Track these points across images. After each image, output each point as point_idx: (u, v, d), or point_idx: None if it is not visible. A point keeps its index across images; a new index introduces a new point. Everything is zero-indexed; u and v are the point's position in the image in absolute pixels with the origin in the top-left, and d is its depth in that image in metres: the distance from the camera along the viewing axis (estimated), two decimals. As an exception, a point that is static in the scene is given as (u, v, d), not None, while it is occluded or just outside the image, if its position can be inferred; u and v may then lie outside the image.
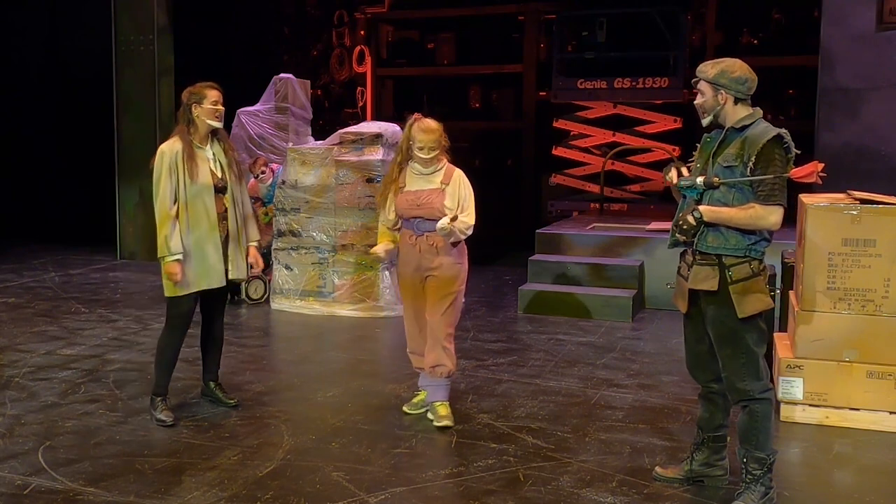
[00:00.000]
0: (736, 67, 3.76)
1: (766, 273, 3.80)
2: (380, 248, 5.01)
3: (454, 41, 14.58)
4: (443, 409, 4.93)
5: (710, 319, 3.84)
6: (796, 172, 3.67)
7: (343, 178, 7.96)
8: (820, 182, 3.75)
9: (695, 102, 3.88)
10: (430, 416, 4.98)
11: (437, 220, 4.72)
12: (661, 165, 12.28)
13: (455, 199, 4.79)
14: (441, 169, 4.85)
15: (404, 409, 5.13)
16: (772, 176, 3.63)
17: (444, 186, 4.81)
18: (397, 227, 4.96)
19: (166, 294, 4.89)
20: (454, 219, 4.67)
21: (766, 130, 3.69)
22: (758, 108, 3.81)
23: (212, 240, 4.87)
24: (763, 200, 3.66)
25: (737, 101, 3.76)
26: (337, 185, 7.98)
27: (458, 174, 4.87)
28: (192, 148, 4.83)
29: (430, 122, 4.83)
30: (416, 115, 4.89)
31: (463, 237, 4.83)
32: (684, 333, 4.07)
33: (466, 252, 4.96)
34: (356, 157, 7.97)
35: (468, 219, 4.79)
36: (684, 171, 3.87)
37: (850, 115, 8.09)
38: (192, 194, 4.79)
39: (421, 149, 4.77)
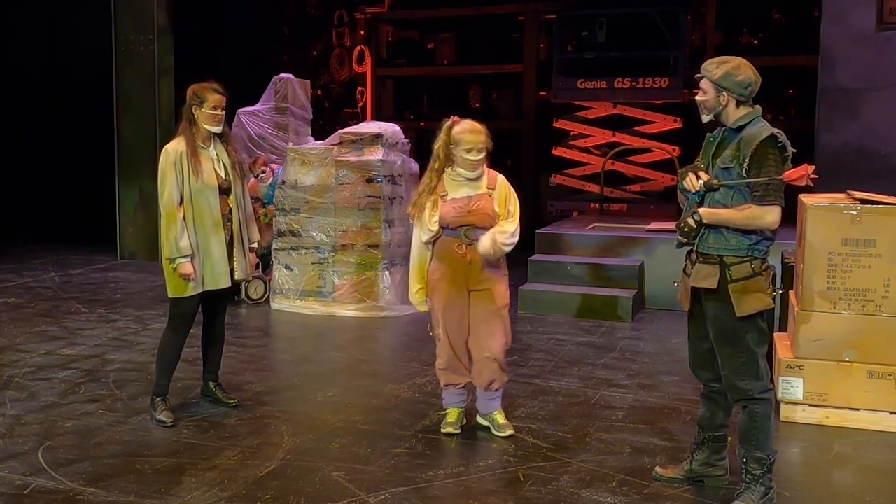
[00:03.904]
0: (741, 70, 3.71)
1: (768, 273, 3.79)
2: (422, 301, 4.70)
3: (454, 41, 14.58)
4: (501, 418, 4.79)
5: (710, 318, 3.84)
6: (788, 175, 3.66)
7: (343, 178, 7.96)
8: (811, 184, 3.74)
9: (696, 98, 3.87)
10: (482, 422, 4.83)
11: (488, 228, 4.51)
12: (661, 165, 12.32)
13: (503, 204, 4.56)
14: (484, 174, 4.59)
15: (449, 430, 4.77)
16: (767, 178, 3.63)
17: (490, 191, 4.56)
18: (435, 239, 4.61)
19: (170, 294, 4.88)
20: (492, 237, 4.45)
21: (760, 131, 3.69)
22: (757, 105, 3.81)
23: (216, 240, 4.86)
24: (759, 201, 3.66)
25: (738, 103, 3.76)
26: (337, 185, 7.98)
27: (502, 178, 4.63)
28: (195, 147, 4.82)
29: (475, 123, 4.54)
30: (453, 118, 4.60)
31: (507, 250, 4.53)
32: (688, 331, 4.07)
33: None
34: (356, 157, 7.97)
35: (510, 226, 4.51)
36: (702, 174, 3.82)
37: (850, 115, 8.09)
38: (197, 194, 4.78)
39: (469, 150, 4.46)
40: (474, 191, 4.55)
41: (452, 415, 4.83)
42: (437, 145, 4.58)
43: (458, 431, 4.78)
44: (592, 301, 7.96)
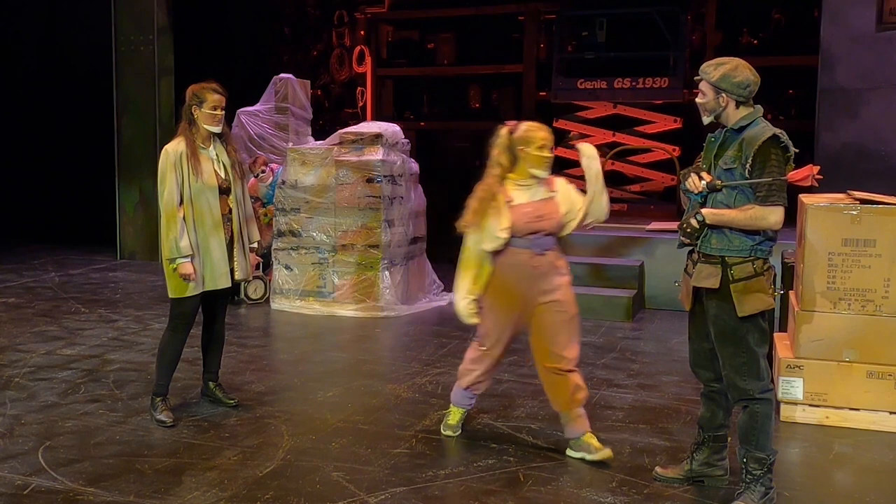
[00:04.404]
0: (739, 72, 3.71)
1: (769, 273, 3.79)
2: (472, 312, 4.51)
3: (454, 41, 14.58)
4: (595, 440, 4.46)
5: (711, 317, 3.85)
6: (793, 176, 3.67)
7: (343, 178, 7.96)
8: (816, 185, 3.75)
9: (696, 101, 3.87)
10: (573, 455, 4.48)
11: (557, 234, 4.40)
12: (661, 165, 12.33)
13: (569, 204, 4.43)
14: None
15: (448, 433, 4.75)
16: (770, 179, 3.63)
17: (553, 195, 4.43)
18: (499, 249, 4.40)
19: (171, 295, 4.89)
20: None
21: (762, 131, 3.68)
22: (758, 106, 3.81)
23: (216, 240, 4.87)
24: (762, 201, 3.66)
25: (738, 104, 3.75)
26: (337, 185, 7.98)
27: (560, 179, 4.49)
28: (195, 148, 4.83)
29: (535, 123, 4.45)
30: (508, 124, 4.43)
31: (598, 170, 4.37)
32: (688, 331, 4.07)
33: None
34: (356, 157, 7.97)
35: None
36: (704, 175, 3.81)
37: (850, 115, 8.09)
38: (197, 194, 4.79)
39: (542, 147, 4.33)
40: (539, 196, 4.41)
41: (455, 416, 4.80)
42: (497, 152, 4.41)
43: (458, 434, 4.78)
44: (592, 301, 7.95)
